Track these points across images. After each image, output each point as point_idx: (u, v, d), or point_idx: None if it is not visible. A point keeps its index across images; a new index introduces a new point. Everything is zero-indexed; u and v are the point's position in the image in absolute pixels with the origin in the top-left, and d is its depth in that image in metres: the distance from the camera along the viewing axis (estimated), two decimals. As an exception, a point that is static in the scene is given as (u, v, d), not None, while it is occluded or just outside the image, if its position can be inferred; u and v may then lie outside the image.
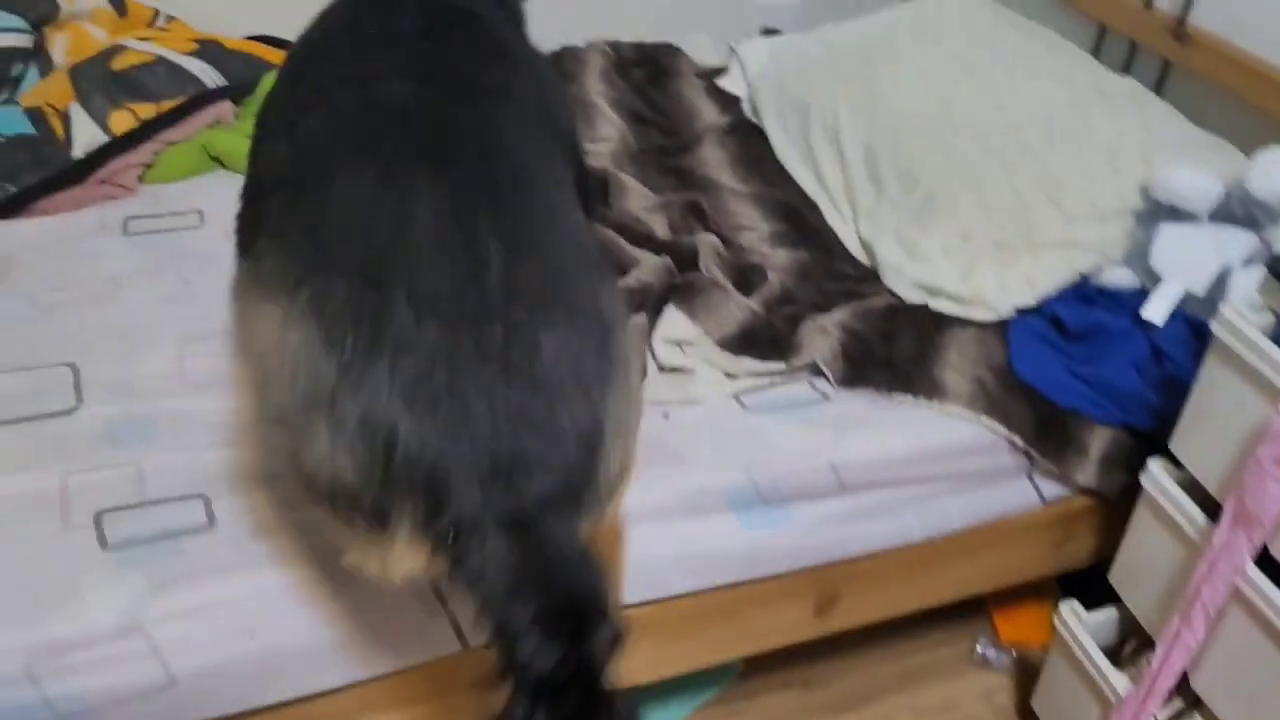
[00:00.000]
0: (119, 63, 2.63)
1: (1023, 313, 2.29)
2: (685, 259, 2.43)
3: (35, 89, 2.64)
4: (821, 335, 2.23)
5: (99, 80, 2.59)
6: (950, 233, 2.42)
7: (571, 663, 1.10)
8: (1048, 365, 2.18)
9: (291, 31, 3.08)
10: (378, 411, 1.13)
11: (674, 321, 2.24)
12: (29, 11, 2.62)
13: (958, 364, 2.20)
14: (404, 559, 1.19)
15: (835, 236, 2.66)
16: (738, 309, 2.27)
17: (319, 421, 1.16)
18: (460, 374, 1.14)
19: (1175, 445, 1.94)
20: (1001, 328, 2.27)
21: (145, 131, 2.59)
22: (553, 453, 1.18)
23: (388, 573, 1.21)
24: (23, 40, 2.61)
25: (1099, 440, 2.13)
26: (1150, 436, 2.11)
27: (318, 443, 1.16)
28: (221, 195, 2.55)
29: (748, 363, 2.19)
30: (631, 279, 2.34)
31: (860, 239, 2.60)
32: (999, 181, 2.44)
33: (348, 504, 1.18)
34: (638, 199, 2.67)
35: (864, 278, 2.52)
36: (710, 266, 2.43)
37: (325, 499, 1.21)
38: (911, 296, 2.38)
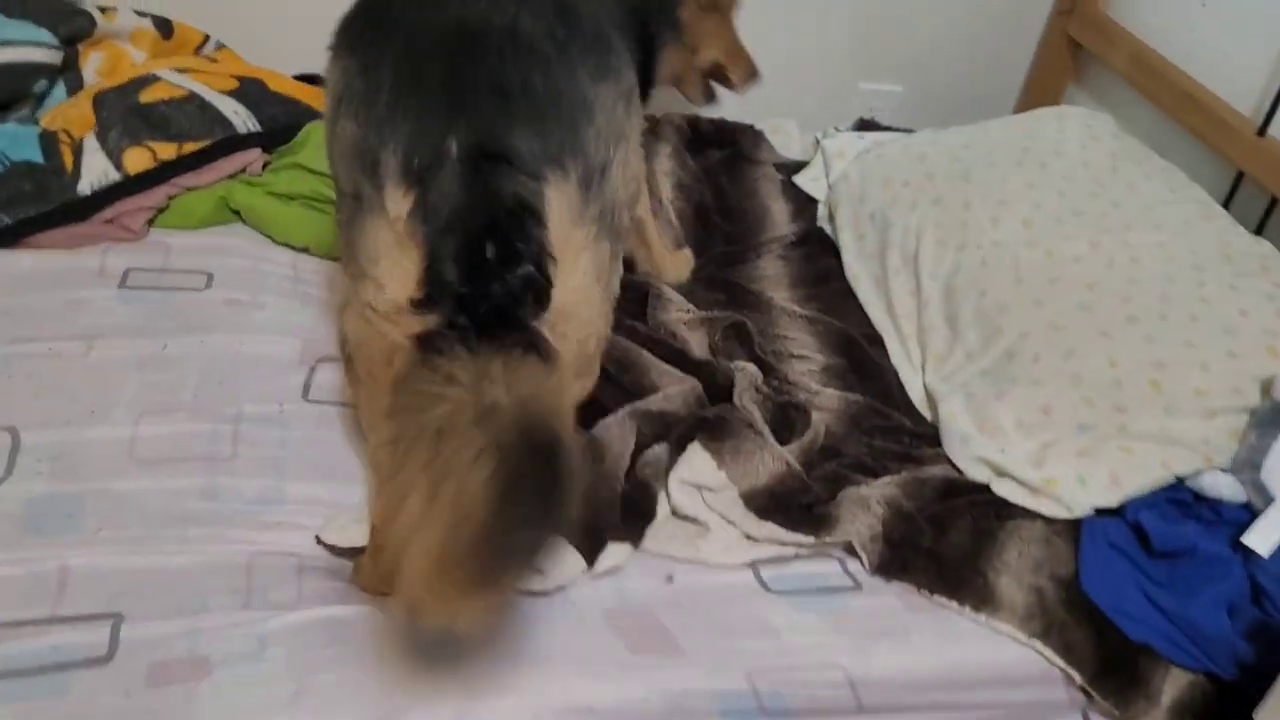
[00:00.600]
0: (148, 95, 2.44)
1: (1101, 513, 1.96)
2: (719, 388, 2.17)
3: (57, 110, 2.46)
4: (862, 510, 1.93)
5: (122, 111, 2.41)
6: (1029, 403, 2.10)
7: (486, 292, 1.38)
8: (1122, 586, 1.85)
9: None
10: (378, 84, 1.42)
11: (697, 462, 1.96)
12: (60, 26, 2.44)
13: (1016, 567, 1.88)
14: (395, 204, 1.38)
15: (897, 379, 2.36)
16: (772, 459, 1.98)
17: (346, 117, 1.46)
18: (452, 62, 1.41)
19: (1263, 716, 1.59)
20: (1073, 529, 1.95)
21: (161, 174, 2.39)
22: (534, 112, 1.39)
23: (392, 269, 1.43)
24: (49, 56, 2.43)
25: (1173, 686, 1.79)
26: (1237, 689, 1.76)
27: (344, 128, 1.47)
28: (235, 257, 2.40)
29: (772, 529, 1.90)
30: (654, 403, 2.08)
31: (925, 389, 2.29)
32: (1094, 350, 2.12)
33: (358, 169, 1.43)
34: (678, 311, 2.41)
35: (922, 436, 2.21)
36: (746, 402, 2.14)
37: (347, 168, 1.47)
38: (973, 473, 2.06)
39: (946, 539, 1.92)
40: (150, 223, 2.43)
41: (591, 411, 2.04)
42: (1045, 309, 2.22)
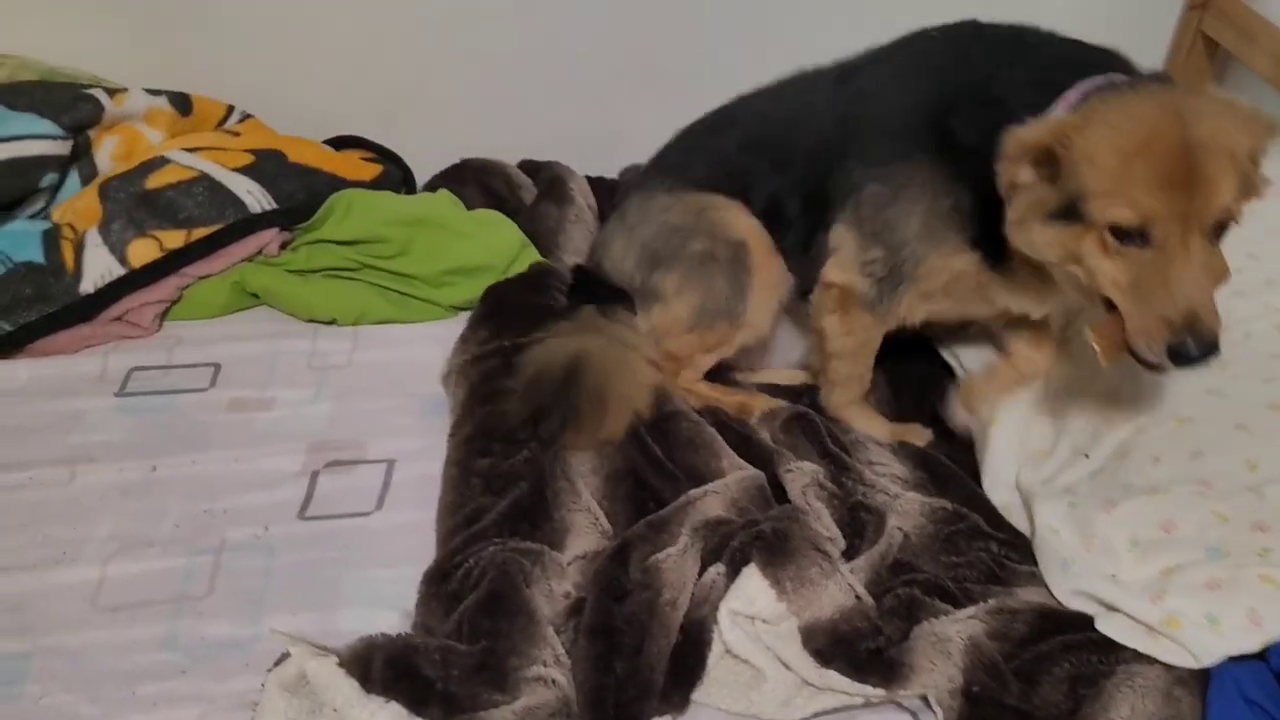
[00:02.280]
0: (156, 180, 2.29)
1: (1237, 660, 1.56)
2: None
3: (67, 203, 2.33)
4: (941, 656, 1.59)
5: (127, 200, 2.26)
6: (1147, 517, 1.70)
7: None
8: (1266, 756, 1.45)
9: (381, 130, 2.86)
10: None
11: (752, 589, 1.66)
12: (64, 115, 2.31)
13: (1128, 731, 1.51)
14: None
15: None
16: (838, 590, 1.66)
17: None
18: None
19: None
20: (1202, 679, 1.55)
21: (169, 265, 2.24)
22: None
23: None
24: (55, 147, 2.30)
25: None
26: None
27: None
28: (249, 342, 2.24)
29: (836, 677, 1.59)
30: (714, 504, 1.82)
31: (1019, 486, 1.92)
32: (1228, 449, 1.71)
33: None
34: (765, 404, 2.17)
35: (1014, 546, 1.84)
36: (811, 499, 1.84)
37: None
38: (1073, 604, 1.68)
39: (1038, 693, 1.56)
40: (163, 317, 2.29)
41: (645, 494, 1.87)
42: (1166, 396, 1.81)
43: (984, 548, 1.84)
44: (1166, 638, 1.57)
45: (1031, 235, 1.64)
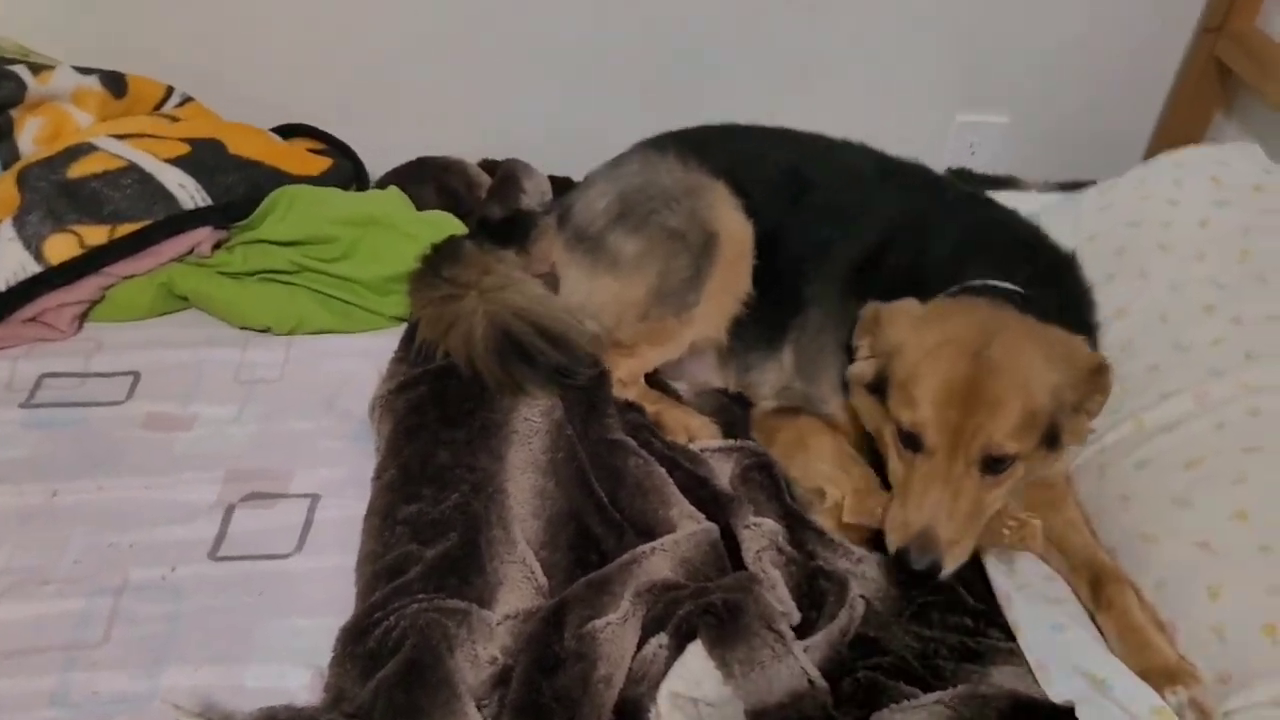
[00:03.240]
0: (79, 168, 2.11)
1: (1225, 768, 1.43)
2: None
3: (-16, 190, 2.15)
4: (895, 750, 1.45)
5: (47, 190, 2.08)
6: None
7: None
8: None
9: (336, 119, 2.66)
10: None
11: (696, 668, 1.51)
12: (-19, 92, 2.13)
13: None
14: None
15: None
16: (790, 675, 1.50)
17: None
18: None
19: None
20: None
21: (90, 263, 2.06)
22: None
23: None
24: (-32, 129, 2.12)
25: None
26: None
27: None
28: (173, 349, 2.08)
29: (784, 772, 1.44)
30: (662, 564, 1.66)
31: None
32: (1197, 578, 1.60)
33: None
34: (708, 431, 2.02)
35: (992, 620, 1.70)
36: (766, 565, 1.69)
37: None
38: (1057, 682, 1.55)
39: (1008, 796, 1.43)
40: (82, 318, 2.11)
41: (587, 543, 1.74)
42: (1131, 507, 1.74)
43: (959, 621, 1.70)
44: (1154, 734, 1.44)
45: (857, 399, 1.79)
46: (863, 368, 1.74)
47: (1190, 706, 1.47)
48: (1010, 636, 1.65)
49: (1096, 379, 1.64)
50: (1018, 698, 1.55)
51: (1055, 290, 1.80)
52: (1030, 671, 1.59)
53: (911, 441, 1.63)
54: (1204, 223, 2.05)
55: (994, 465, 1.60)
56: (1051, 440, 1.63)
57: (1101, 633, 1.64)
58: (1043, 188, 2.62)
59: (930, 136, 2.91)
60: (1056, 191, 2.53)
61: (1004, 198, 2.46)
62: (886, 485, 1.77)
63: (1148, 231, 2.08)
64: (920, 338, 1.64)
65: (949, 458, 1.59)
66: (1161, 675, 1.52)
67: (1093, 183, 2.34)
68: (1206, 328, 1.89)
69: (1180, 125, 2.79)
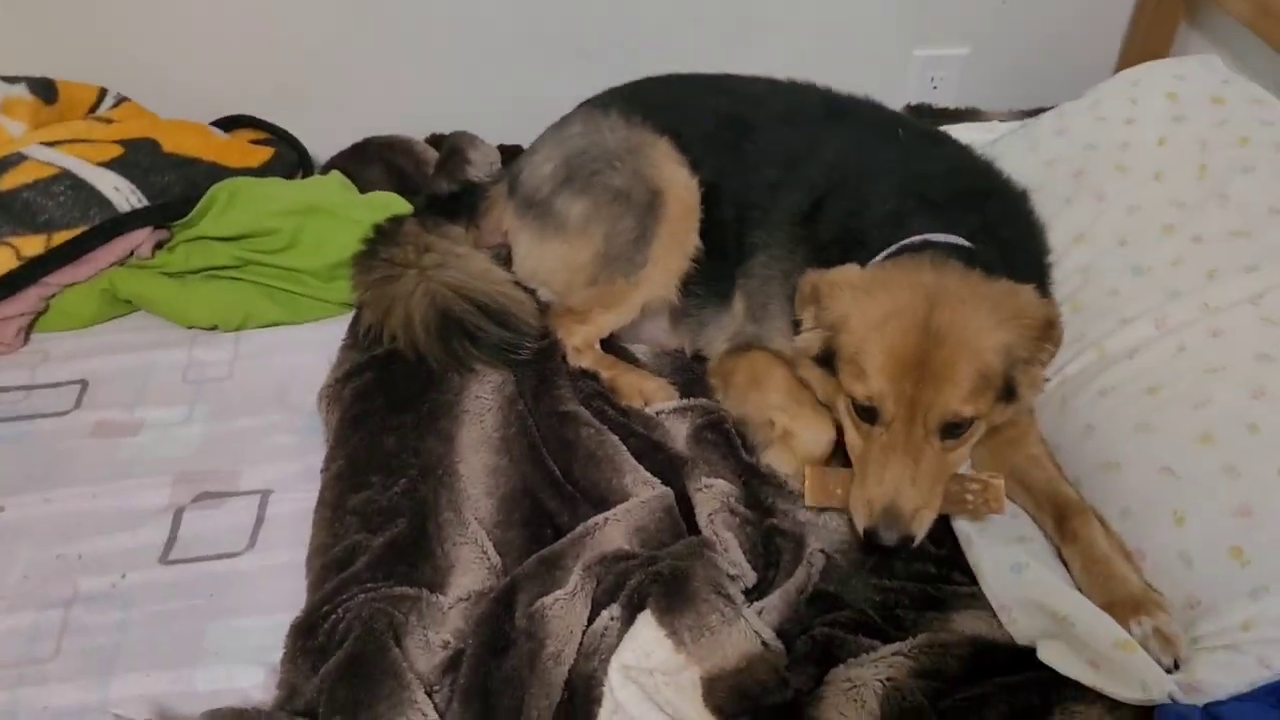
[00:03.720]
0: (10, 180, 2.08)
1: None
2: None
3: (-81, 209, 2.12)
4: (852, 703, 1.43)
5: (-21, 203, 2.05)
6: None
7: None
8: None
9: (280, 108, 2.56)
10: None
11: (647, 639, 1.49)
12: (-92, 109, 2.10)
13: (1066, 778, 1.35)
14: None
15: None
16: (742, 638, 1.48)
17: None
18: None
19: None
20: (1143, 717, 1.39)
21: (28, 274, 2.03)
22: None
23: None
24: (-99, 147, 2.09)
25: None
26: None
27: None
28: (119, 355, 2.06)
29: (738, 735, 1.41)
30: (614, 535, 1.63)
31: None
32: (1162, 501, 1.57)
33: None
34: (664, 394, 1.97)
35: (955, 563, 1.66)
36: (719, 527, 1.66)
37: None
38: (1020, 629, 1.51)
39: (969, 738, 1.39)
40: (28, 330, 2.09)
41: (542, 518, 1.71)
42: (1096, 438, 1.69)
43: (922, 569, 1.66)
44: (1114, 668, 1.40)
45: (804, 371, 1.74)
46: (809, 340, 1.68)
47: (1155, 636, 1.43)
48: (972, 580, 1.62)
49: (1047, 332, 1.59)
50: (979, 641, 1.52)
51: (1004, 237, 1.73)
52: (993, 614, 1.56)
53: (867, 414, 1.59)
54: (1161, 140, 1.99)
55: (953, 430, 1.56)
56: (1008, 394, 1.59)
57: (1067, 566, 1.60)
58: (1005, 117, 2.55)
59: (889, 73, 2.83)
60: (1018, 120, 2.46)
61: (965, 130, 2.42)
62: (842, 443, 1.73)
63: (1105, 153, 2.02)
64: (864, 311, 1.58)
65: (906, 428, 1.54)
66: (1127, 606, 1.48)
67: (1056, 109, 2.27)
68: (1166, 248, 1.83)
69: (1145, 43, 2.72)
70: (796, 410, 1.78)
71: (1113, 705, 1.40)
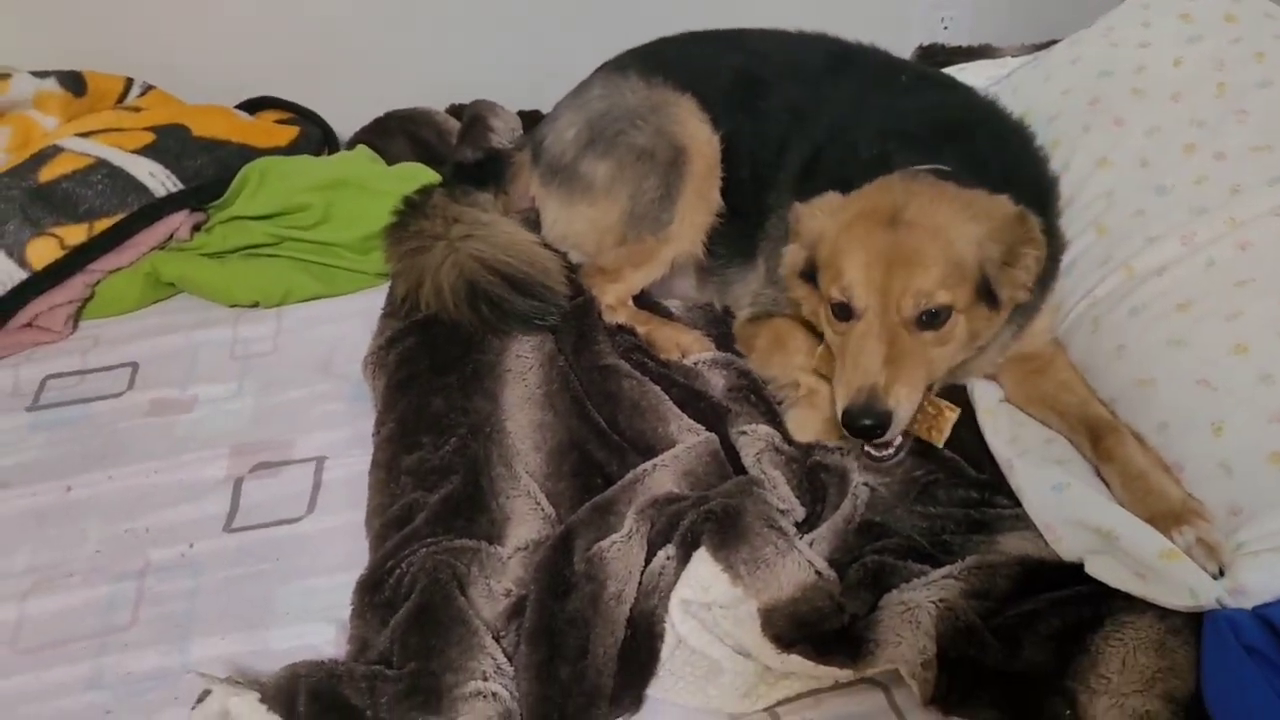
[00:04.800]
0: (48, 171, 2.13)
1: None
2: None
3: (-42, 207, 2.17)
4: (909, 626, 1.46)
5: (20, 197, 2.10)
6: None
7: None
8: (1262, 704, 1.33)
9: (301, 87, 2.66)
10: None
11: (704, 574, 1.53)
12: (-59, 109, 2.15)
13: (1117, 684, 1.39)
14: None
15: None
16: (796, 567, 1.52)
17: None
18: None
19: None
20: (1195, 629, 1.42)
21: (73, 263, 2.09)
22: None
23: None
24: (-61, 148, 2.15)
25: None
26: None
27: None
28: (166, 336, 2.11)
29: (799, 661, 1.46)
30: (664, 479, 1.68)
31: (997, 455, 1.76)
32: (1200, 413, 1.59)
33: None
34: (700, 345, 2.01)
35: (998, 487, 1.70)
36: (766, 467, 1.70)
37: None
38: (1067, 546, 1.55)
39: (1020, 655, 1.44)
40: (76, 317, 2.15)
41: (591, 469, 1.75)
42: (1127, 355, 1.71)
43: (964, 495, 1.70)
44: (1160, 578, 1.44)
45: (794, 290, 1.78)
46: (794, 255, 1.73)
47: (1198, 544, 1.47)
48: (1016, 503, 1.66)
49: (1019, 228, 1.61)
50: (1026, 560, 1.56)
51: (995, 169, 1.75)
52: (1039, 534, 1.60)
53: (844, 311, 1.62)
54: (1177, 61, 2.00)
55: (930, 320, 1.58)
56: (990, 298, 1.61)
57: (1106, 485, 1.64)
58: (1018, 52, 2.56)
59: (899, 16, 2.84)
60: (1031, 55, 2.47)
61: (979, 67, 2.43)
62: None
63: (1120, 79, 2.03)
64: (837, 219, 1.64)
65: (881, 317, 1.57)
66: (1168, 517, 1.51)
67: (1069, 41, 2.28)
68: (1188, 167, 1.85)
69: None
70: (822, 370, 1.81)
71: (1163, 614, 1.43)
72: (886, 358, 1.55)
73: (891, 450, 1.65)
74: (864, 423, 1.54)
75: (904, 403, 1.56)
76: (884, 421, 1.54)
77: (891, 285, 1.55)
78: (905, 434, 1.65)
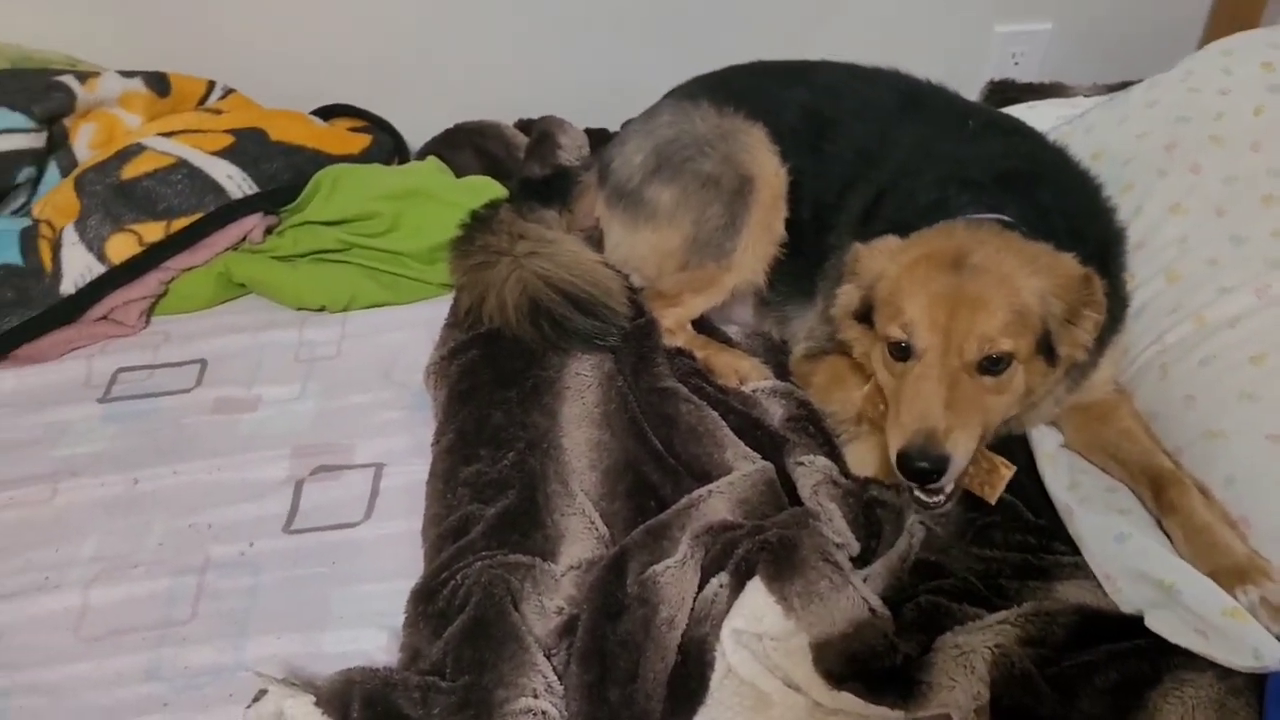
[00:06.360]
0: (131, 169, 2.18)
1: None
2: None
3: (47, 197, 2.23)
4: (963, 670, 1.45)
5: (104, 193, 2.15)
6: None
7: None
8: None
9: (373, 96, 2.70)
10: None
11: (758, 605, 1.54)
12: (35, 105, 2.20)
13: (1177, 746, 1.37)
14: None
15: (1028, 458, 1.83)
16: (850, 604, 1.52)
17: None
18: None
19: None
20: (1256, 689, 1.40)
21: (150, 259, 2.14)
22: None
23: None
24: (28, 140, 2.20)
25: None
26: None
27: None
28: (234, 335, 2.15)
29: (849, 699, 1.46)
30: (718, 506, 1.68)
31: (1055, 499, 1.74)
32: (1270, 470, 1.57)
33: None
34: (759, 373, 2.02)
35: (1055, 534, 1.69)
36: (823, 499, 1.69)
37: None
38: (1126, 598, 1.53)
39: (1076, 706, 1.42)
40: (149, 313, 2.19)
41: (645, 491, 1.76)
42: (1197, 406, 1.69)
43: (1021, 539, 1.69)
44: (1223, 636, 1.41)
45: (846, 331, 1.77)
46: (849, 295, 1.71)
47: (1263, 604, 1.44)
48: (1074, 550, 1.64)
49: (1083, 289, 1.59)
50: (1085, 610, 1.54)
51: (1058, 221, 1.72)
52: (1097, 584, 1.58)
53: (902, 351, 1.60)
54: (1258, 110, 1.97)
55: (991, 366, 1.55)
56: (1048, 352, 1.60)
57: (1169, 537, 1.61)
58: (1090, 91, 2.54)
59: (970, 50, 2.83)
60: (1104, 95, 2.45)
61: (1048, 106, 2.42)
62: None
63: (1198, 125, 2.00)
64: (898, 260, 1.63)
65: (941, 359, 1.55)
66: (1232, 574, 1.49)
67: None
68: (1266, 219, 1.83)
69: (1233, 13, 2.68)
70: (868, 412, 1.81)
71: (1224, 673, 1.41)
72: (946, 401, 1.52)
73: (943, 497, 1.62)
74: (920, 465, 1.51)
75: (961, 449, 1.53)
76: (940, 467, 1.51)
77: (955, 327, 1.53)
78: (956, 484, 1.63)
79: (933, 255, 1.60)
